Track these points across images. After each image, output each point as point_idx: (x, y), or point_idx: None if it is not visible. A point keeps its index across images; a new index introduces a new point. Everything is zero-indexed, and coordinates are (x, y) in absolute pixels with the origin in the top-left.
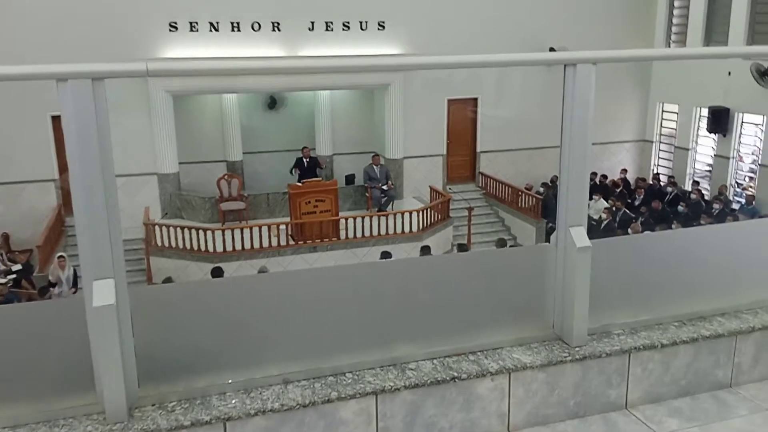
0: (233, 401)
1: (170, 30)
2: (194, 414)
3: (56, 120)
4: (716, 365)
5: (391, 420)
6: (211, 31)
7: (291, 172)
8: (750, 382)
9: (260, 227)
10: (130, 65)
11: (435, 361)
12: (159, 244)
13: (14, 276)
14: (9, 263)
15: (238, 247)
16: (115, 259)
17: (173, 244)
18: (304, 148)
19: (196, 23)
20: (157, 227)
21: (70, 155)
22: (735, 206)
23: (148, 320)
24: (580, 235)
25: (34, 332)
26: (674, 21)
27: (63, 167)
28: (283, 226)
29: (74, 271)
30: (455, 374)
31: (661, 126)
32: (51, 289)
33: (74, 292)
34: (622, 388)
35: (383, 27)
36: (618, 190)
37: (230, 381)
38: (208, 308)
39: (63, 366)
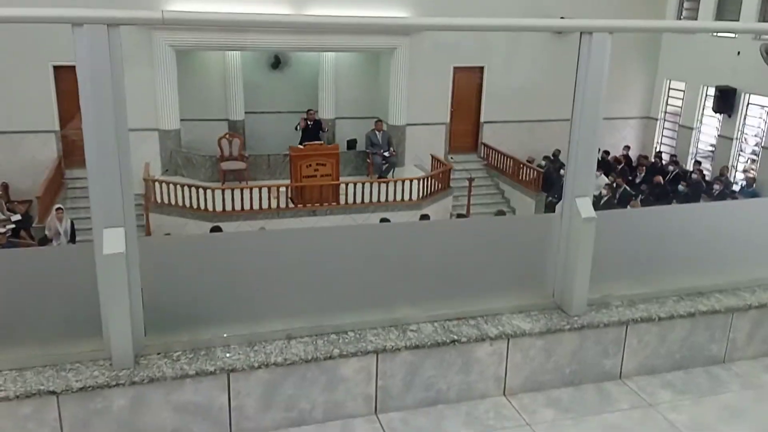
0: (237, 353)
1: None
2: (199, 364)
3: (59, 70)
4: (711, 340)
5: (390, 379)
6: None
7: (296, 127)
8: (743, 359)
9: (260, 188)
10: (146, 12)
11: (436, 323)
12: (158, 200)
13: (13, 226)
14: (8, 213)
15: (238, 207)
16: (126, 209)
17: (173, 201)
18: (309, 110)
19: None
20: (156, 183)
21: (83, 102)
22: (735, 188)
23: (156, 271)
24: (585, 206)
25: (43, 277)
26: None
27: (64, 119)
28: (283, 189)
29: (71, 223)
30: (455, 337)
31: (667, 103)
32: (50, 241)
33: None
34: (618, 359)
35: None
36: (620, 167)
37: (225, 335)
38: (215, 262)
39: (71, 312)
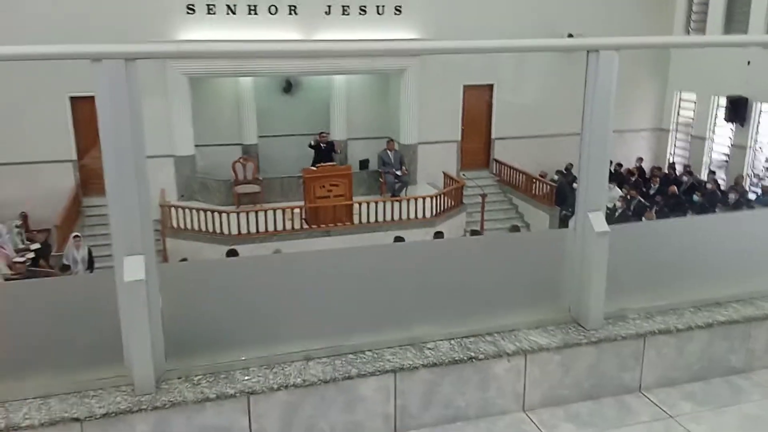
0: (257, 376)
1: (188, 12)
2: (219, 387)
3: (75, 101)
4: (730, 351)
5: (409, 397)
6: (228, 14)
7: (310, 144)
8: (763, 368)
9: (274, 210)
10: (163, 46)
11: (453, 341)
12: (174, 225)
13: (33, 255)
14: (27, 242)
15: (253, 230)
16: (145, 236)
17: (189, 226)
18: (321, 133)
19: (214, 6)
20: (172, 209)
21: (103, 134)
22: (751, 197)
23: (175, 296)
24: (598, 220)
25: (65, 306)
26: (694, 8)
27: (81, 148)
28: (297, 210)
29: (89, 250)
30: (472, 354)
31: (678, 114)
32: (69, 268)
33: (90, 272)
34: (637, 372)
35: (399, 11)
36: (633, 179)
37: (244, 358)
38: (233, 286)
39: (93, 339)
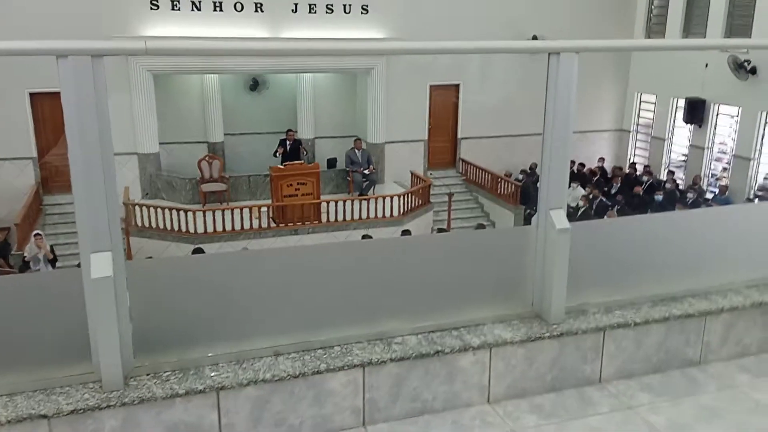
0: (226, 371)
1: (151, 8)
2: (188, 383)
3: (35, 97)
4: (686, 344)
5: (377, 391)
6: (192, 10)
7: (275, 154)
8: (718, 361)
9: (241, 209)
10: (129, 43)
11: (420, 335)
12: (139, 224)
13: None
14: None
15: (219, 228)
16: (113, 233)
17: (153, 225)
18: (289, 131)
19: (178, 2)
20: (137, 207)
21: (69, 130)
22: (708, 196)
23: (143, 293)
24: (560, 218)
25: (31, 303)
26: (654, 12)
27: (41, 145)
28: (264, 209)
29: (51, 249)
30: (439, 348)
31: (639, 116)
32: (30, 267)
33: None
34: (597, 364)
35: (366, 11)
36: (595, 179)
37: (213, 354)
38: (202, 282)
39: (59, 336)
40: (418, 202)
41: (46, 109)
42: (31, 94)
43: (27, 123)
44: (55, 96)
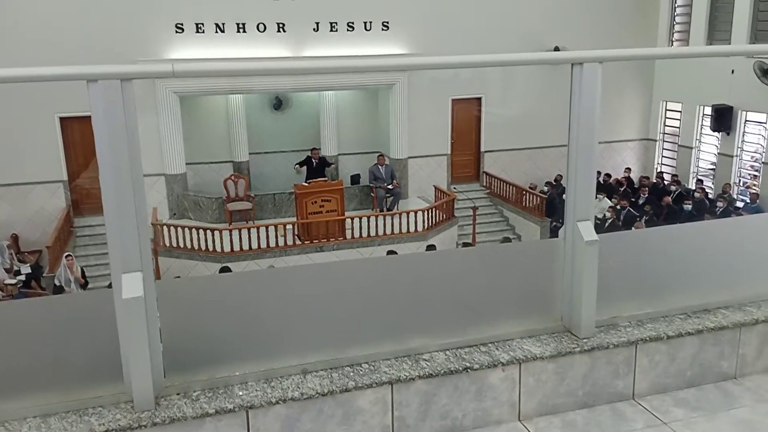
0: (255, 390)
1: (177, 32)
2: (218, 402)
3: (65, 121)
4: (721, 357)
5: (406, 409)
6: (216, 32)
7: (295, 166)
8: (754, 373)
9: (267, 227)
10: (157, 66)
11: (448, 352)
12: (167, 244)
13: (23, 277)
14: (19, 264)
15: (246, 246)
16: (143, 254)
17: (181, 244)
18: (313, 149)
19: (202, 24)
20: (165, 227)
21: (100, 153)
22: (739, 204)
23: (173, 313)
24: (587, 229)
25: (63, 325)
26: (677, 20)
27: (72, 168)
28: (289, 226)
29: (82, 270)
30: (467, 364)
31: (665, 124)
32: (62, 290)
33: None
34: (630, 379)
35: (387, 27)
36: (622, 189)
37: (242, 372)
38: (230, 301)
39: (91, 357)
40: (443, 217)
41: (76, 133)
42: (61, 119)
43: (57, 147)
44: (85, 120)
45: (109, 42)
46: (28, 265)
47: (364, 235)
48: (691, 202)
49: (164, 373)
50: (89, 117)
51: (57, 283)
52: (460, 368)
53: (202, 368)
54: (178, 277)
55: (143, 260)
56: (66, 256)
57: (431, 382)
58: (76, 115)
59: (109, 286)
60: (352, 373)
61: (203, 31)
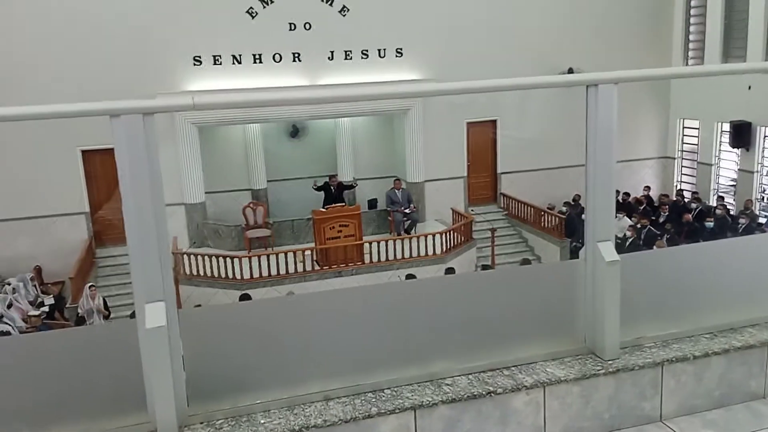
0: (278, 418)
1: (195, 64)
2: (241, 431)
3: (86, 154)
4: (749, 376)
5: None
6: (234, 63)
7: (313, 185)
8: None
9: (286, 253)
10: (178, 99)
11: (470, 376)
12: (187, 272)
13: (47, 309)
14: (42, 295)
15: (265, 273)
16: (165, 283)
17: (201, 273)
18: (331, 176)
19: (220, 57)
20: (185, 256)
21: (122, 185)
22: (762, 220)
23: (195, 342)
24: (608, 250)
25: (87, 355)
26: (691, 38)
27: (94, 200)
28: (308, 252)
29: (104, 300)
30: (491, 389)
31: (683, 142)
32: (84, 320)
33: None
34: (656, 401)
35: (401, 54)
36: (641, 208)
37: (265, 400)
38: (251, 329)
39: (115, 387)
40: (461, 239)
41: (97, 166)
42: (83, 152)
43: (79, 179)
44: (106, 152)
45: (128, 75)
46: (51, 296)
47: (383, 259)
48: (712, 219)
49: (187, 402)
50: (111, 149)
51: (80, 312)
52: (484, 392)
53: (225, 397)
54: (199, 305)
55: (166, 290)
56: (89, 287)
57: (454, 407)
58: (98, 147)
59: (132, 315)
60: (374, 399)
61: (220, 63)
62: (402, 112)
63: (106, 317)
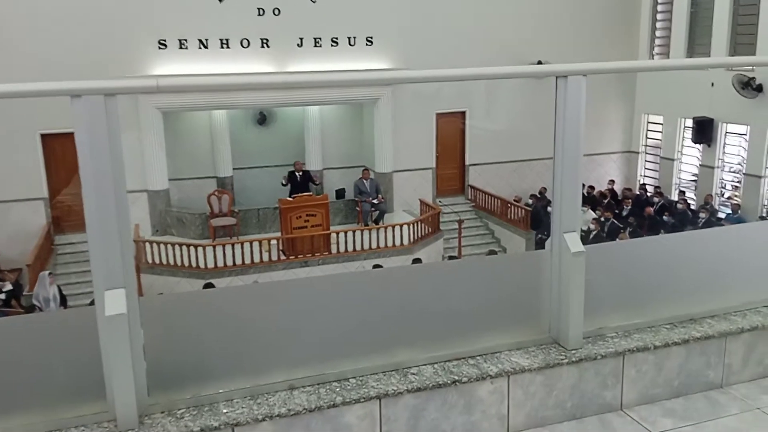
0: (241, 407)
1: (160, 48)
2: (203, 420)
3: (46, 138)
4: (707, 366)
5: (394, 423)
6: (200, 48)
7: (282, 183)
8: (740, 382)
9: (251, 243)
10: (142, 81)
11: (436, 365)
12: (149, 261)
13: (3, 296)
14: None
15: (230, 262)
16: (126, 270)
17: (164, 261)
18: (297, 162)
19: (186, 41)
20: (147, 244)
21: (83, 169)
22: (721, 215)
23: (156, 330)
24: (574, 241)
25: (44, 343)
26: (657, 33)
27: (53, 185)
28: (274, 241)
29: (59, 288)
30: (456, 378)
31: (647, 137)
32: (34, 308)
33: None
34: (617, 390)
35: (371, 42)
36: (606, 201)
37: (228, 389)
38: (214, 317)
39: (74, 376)
40: (428, 230)
41: (57, 150)
42: (43, 135)
43: (38, 164)
44: (66, 136)
45: (90, 59)
46: (8, 283)
47: (350, 249)
48: (671, 213)
49: (148, 391)
50: (71, 133)
51: (35, 303)
52: (449, 381)
53: (187, 386)
54: (162, 293)
55: (126, 277)
56: (48, 274)
57: (419, 395)
58: (58, 131)
59: (92, 303)
60: (339, 388)
61: (186, 47)
62: (371, 102)
63: (63, 305)
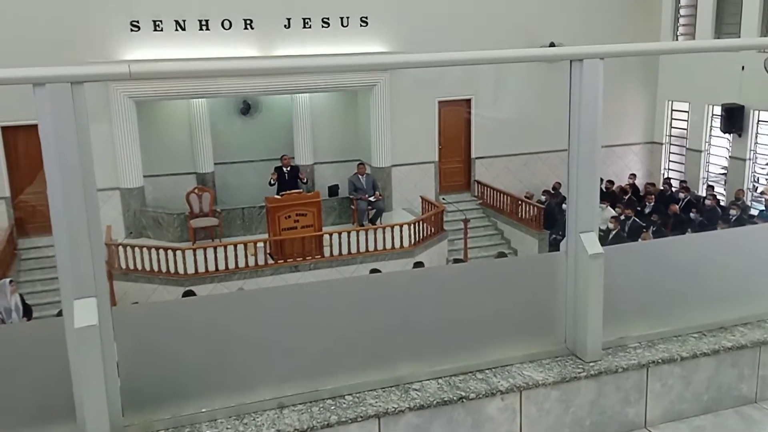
0: (225, 428)
1: (132, 30)
2: None
3: (7, 131)
4: (740, 379)
5: None
6: (177, 30)
7: (270, 183)
8: None
9: (235, 245)
10: (112, 67)
11: (440, 380)
12: (123, 266)
13: None
14: None
15: (212, 267)
16: (98, 277)
17: (139, 266)
18: (284, 156)
19: (161, 22)
20: (120, 248)
21: (48, 165)
22: (754, 212)
23: (132, 343)
24: (591, 242)
25: (6, 358)
26: (681, 12)
27: (16, 184)
28: (260, 244)
29: (21, 297)
30: (462, 394)
31: (671, 126)
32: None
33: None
34: (641, 406)
35: (366, 23)
36: (626, 197)
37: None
38: (196, 329)
39: (40, 394)
40: (431, 231)
41: (20, 144)
42: (3, 128)
43: None
44: (29, 129)
45: (56, 43)
46: None
47: (345, 252)
48: (698, 210)
49: (122, 411)
50: (35, 126)
51: None
52: (455, 398)
53: (165, 405)
54: (137, 302)
55: (98, 285)
56: (9, 282)
57: (423, 414)
58: (21, 123)
59: (59, 314)
60: (334, 407)
61: (161, 29)
62: (367, 89)
63: (27, 316)
